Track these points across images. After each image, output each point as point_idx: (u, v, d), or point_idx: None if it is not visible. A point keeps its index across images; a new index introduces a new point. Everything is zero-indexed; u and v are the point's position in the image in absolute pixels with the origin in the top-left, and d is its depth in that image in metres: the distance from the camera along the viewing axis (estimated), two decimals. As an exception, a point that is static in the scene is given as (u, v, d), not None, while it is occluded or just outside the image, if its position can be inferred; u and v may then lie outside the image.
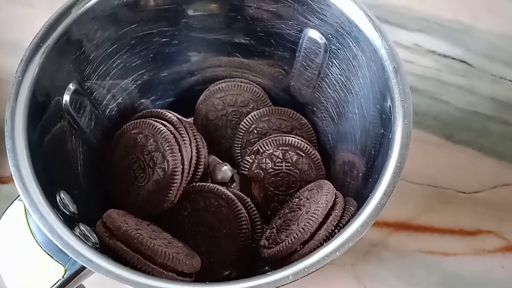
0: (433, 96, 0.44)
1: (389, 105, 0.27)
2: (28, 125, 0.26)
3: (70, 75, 0.31)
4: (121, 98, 0.36)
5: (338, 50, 0.32)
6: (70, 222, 0.26)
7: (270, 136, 0.36)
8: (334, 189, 0.30)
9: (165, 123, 0.33)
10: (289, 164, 0.35)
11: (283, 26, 0.34)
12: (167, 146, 0.32)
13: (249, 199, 0.34)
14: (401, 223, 0.39)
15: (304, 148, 0.35)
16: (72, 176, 0.31)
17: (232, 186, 0.37)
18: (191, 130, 0.34)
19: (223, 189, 0.34)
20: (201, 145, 0.35)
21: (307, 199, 0.31)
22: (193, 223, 0.33)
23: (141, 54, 0.35)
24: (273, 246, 0.29)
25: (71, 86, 0.31)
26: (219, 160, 0.38)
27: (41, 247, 0.26)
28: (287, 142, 0.35)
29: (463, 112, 0.43)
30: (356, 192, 0.30)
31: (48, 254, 0.26)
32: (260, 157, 0.35)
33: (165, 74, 0.38)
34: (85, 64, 0.32)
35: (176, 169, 0.32)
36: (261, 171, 0.35)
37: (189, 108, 0.39)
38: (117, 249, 0.27)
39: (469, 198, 0.40)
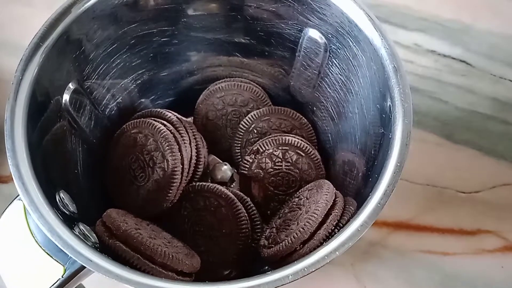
0: (433, 96, 0.44)
1: (389, 105, 0.27)
2: (27, 125, 0.26)
3: (69, 75, 0.31)
4: (120, 98, 0.36)
5: (338, 50, 0.32)
6: (69, 221, 0.26)
7: (270, 136, 0.35)
8: (334, 188, 0.30)
9: (165, 122, 0.33)
10: (289, 164, 0.35)
11: (283, 25, 0.34)
12: (167, 146, 0.32)
13: (248, 199, 0.34)
14: (401, 223, 0.39)
15: (304, 148, 0.35)
16: (72, 176, 0.31)
17: (232, 185, 0.37)
18: (191, 129, 0.34)
19: (223, 188, 0.34)
20: (200, 145, 0.35)
21: (307, 198, 0.31)
22: (192, 223, 0.33)
23: (141, 53, 0.35)
24: (273, 245, 0.29)
25: (71, 86, 0.31)
26: (218, 159, 0.38)
27: (41, 247, 0.26)
28: (287, 142, 0.35)
29: (463, 112, 0.43)
30: (356, 191, 0.30)
31: (48, 254, 0.26)
32: (260, 157, 0.35)
33: (165, 73, 0.38)
34: (84, 63, 0.32)
35: (175, 169, 0.32)
36: (261, 171, 0.35)
37: (189, 108, 0.39)
38: (116, 249, 0.27)
39: (469, 198, 0.40)
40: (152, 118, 0.34)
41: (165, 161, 0.32)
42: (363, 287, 0.37)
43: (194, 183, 0.34)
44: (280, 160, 0.35)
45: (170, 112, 0.34)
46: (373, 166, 0.28)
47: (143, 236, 0.28)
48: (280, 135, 0.35)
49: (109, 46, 0.33)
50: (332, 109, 0.35)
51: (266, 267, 0.32)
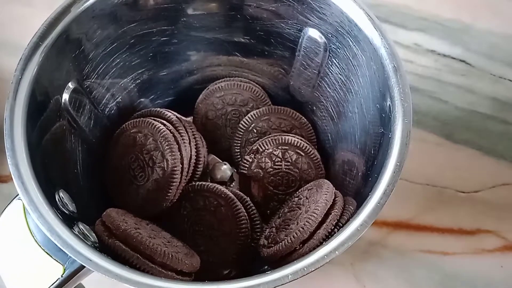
0: (432, 95, 0.44)
1: (389, 105, 0.27)
2: (27, 124, 0.26)
3: (69, 74, 0.31)
4: (120, 97, 0.36)
5: (338, 49, 0.32)
6: (69, 221, 0.26)
7: (270, 135, 0.35)
8: (334, 188, 0.30)
9: (164, 122, 0.33)
10: (289, 163, 0.35)
11: (283, 25, 0.34)
12: (167, 145, 0.32)
13: (248, 199, 0.34)
14: (401, 223, 0.39)
15: (303, 148, 0.35)
16: (71, 175, 0.31)
17: (232, 185, 0.37)
18: (191, 129, 0.34)
19: (222, 188, 0.34)
20: (200, 144, 0.35)
21: (307, 198, 0.31)
22: (192, 222, 0.33)
23: (141, 53, 0.35)
24: (272, 245, 0.29)
25: (70, 85, 0.31)
26: (218, 159, 0.38)
27: (40, 246, 0.26)
28: (286, 141, 0.35)
29: (462, 112, 0.43)
30: (355, 191, 0.30)
31: (47, 253, 0.26)
32: (259, 156, 0.35)
33: (165, 73, 0.38)
34: (84, 63, 0.32)
35: (175, 168, 0.32)
36: (260, 170, 0.35)
37: (189, 107, 0.39)
38: (116, 248, 0.27)
39: (469, 197, 0.40)
40: (152, 118, 0.34)
41: (164, 160, 0.32)
42: (363, 286, 0.37)
43: (194, 183, 0.34)
44: (279, 159, 0.35)
45: (170, 112, 0.34)
46: (372, 165, 0.28)
47: (142, 235, 0.28)
48: (279, 135, 0.35)
49: (108, 46, 0.33)
50: (331, 109, 0.35)
51: (266, 267, 0.32)
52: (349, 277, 0.37)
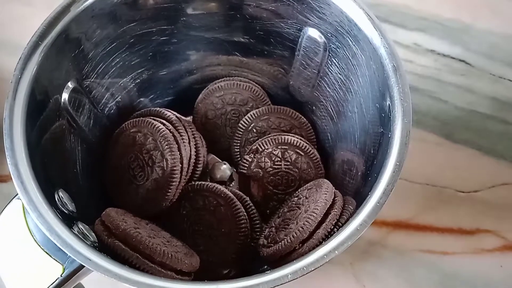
0: (432, 95, 0.44)
1: (389, 104, 0.27)
2: (26, 124, 0.26)
3: (68, 74, 0.31)
4: (120, 97, 0.36)
5: (338, 49, 0.32)
6: (68, 220, 0.26)
7: (269, 135, 0.35)
8: (333, 188, 0.30)
9: (164, 122, 0.33)
10: (288, 163, 0.35)
11: (282, 24, 0.34)
12: (166, 145, 0.32)
13: (248, 198, 0.34)
14: (400, 222, 0.39)
15: (303, 147, 0.35)
16: (71, 175, 0.31)
17: (231, 185, 0.37)
18: (190, 129, 0.34)
19: (222, 188, 0.34)
20: (200, 144, 0.35)
21: (306, 198, 0.31)
22: (192, 222, 0.33)
23: (140, 52, 0.35)
24: (272, 245, 0.29)
25: (70, 85, 0.31)
26: (218, 159, 0.38)
27: (40, 246, 0.26)
28: (286, 141, 0.35)
29: (462, 112, 0.43)
30: (355, 191, 0.30)
31: (47, 253, 0.26)
32: (259, 156, 0.35)
33: (164, 72, 0.38)
34: (83, 62, 0.32)
35: (175, 168, 0.32)
36: (260, 170, 0.35)
37: (188, 107, 0.39)
38: (115, 248, 0.27)
39: (468, 197, 0.40)
40: (151, 117, 0.34)
41: (164, 160, 0.32)
42: (362, 286, 0.37)
43: (193, 182, 0.34)
44: (279, 159, 0.35)
45: (169, 111, 0.34)
46: (372, 165, 0.28)
47: (142, 235, 0.28)
48: (279, 134, 0.35)
49: (108, 45, 0.33)
50: (331, 109, 0.35)
51: (265, 266, 0.32)
52: (348, 277, 0.37)
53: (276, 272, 0.23)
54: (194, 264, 0.29)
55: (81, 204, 0.29)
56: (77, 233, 0.26)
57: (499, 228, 0.39)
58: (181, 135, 0.33)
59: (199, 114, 0.38)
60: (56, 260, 0.26)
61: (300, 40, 0.34)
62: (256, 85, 0.39)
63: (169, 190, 0.32)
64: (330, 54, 0.33)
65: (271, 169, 0.35)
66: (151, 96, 0.39)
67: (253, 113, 0.37)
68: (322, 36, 0.32)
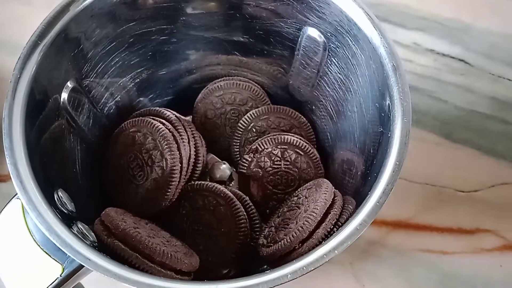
0: (432, 95, 0.44)
1: (388, 104, 0.27)
2: (25, 123, 0.26)
3: (68, 73, 0.31)
4: (119, 96, 0.36)
5: (337, 49, 0.32)
6: (68, 220, 0.26)
7: (269, 135, 0.35)
8: (333, 187, 0.30)
9: (163, 121, 0.33)
10: (288, 163, 0.35)
11: (282, 24, 0.34)
12: (166, 145, 0.32)
13: (247, 198, 0.34)
14: (400, 222, 0.39)
15: (303, 147, 0.35)
16: (70, 174, 0.31)
17: (231, 184, 0.37)
18: (190, 128, 0.34)
19: (221, 187, 0.34)
20: (199, 144, 0.35)
21: (306, 197, 0.31)
22: (191, 222, 0.33)
23: (140, 52, 0.35)
24: (271, 244, 0.29)
25: (69, 84, 0.31)
26: (217, 158, 0.38)
27: (39, 246, 0.26)
28: (285, 141, 0.35)
29: (462, 111, 0.43)
30: (354, 190, 0.30)
31: (46, 253, 0.26)
32: (258, 156, 0.35)
33: (164, 72, 0.38)
34: (83, 62, 0.32)
35: (174, 168, 0.32)
36: (259, 170, 0.35)
37: (188, 107, 0.39)
38: (115, 248, 0.27)
39: (468, 197, 0.40)
40: (151, 117, 0.34)
41: (163, 160, 0.32)
42: (362, 286, 0.37)
43: (193, 182, 0.34)
44: (279, 159, 0.34)
45: (169, 111, 0.34)
46: (372, 165, 0.28)
47: (141, 235, 0.28)
48: (279, 134, 0.35)
49: (107, 45, 0.33)
50: (331, 108, 0.35)
51: (265, 266, 0.32)
52: (348, 277, 0.37)
53: (275, 272, 0.23)
54: (193, 264, 0.29)
55: (80, 204, 0.29)
56: (76, 233, 0.26)
57: (498, 228, 0.39)
58: (180, 135, 0.33)
59: (198, 113, 0.38)
60: (56, 260, 0.25)
61: (299, 39, 0.34)
62: (256, 84, 0.38)
63: (169, 190, 0.32)
64: (330, 54, 0.33)
65: (270, 168, 0.35)
66: (151, 96, 0.39)
67: (253, 113, 0.37)
68: (322, 36, 0.32)
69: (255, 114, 0.37)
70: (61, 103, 0.30)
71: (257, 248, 0.31)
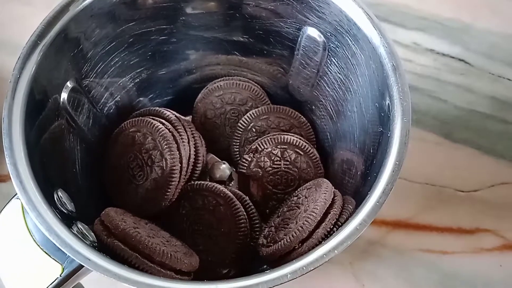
0: (432, 94, 0.44)
1: (388, 104, 0.27)
2: (25, 123, 0.26)
3: (68, 73, 0.31)
4: (119, 96, 0.36)
5: (337, 48, 0.32)
6: (67, 220, 0.26)
7: (269, 135, 0.35)
8: (333, 187, 0.30)
9: (163, 121, 0.33)
10: (288, 163, 0.34)
11: (282, 24, 0.34)
12: (165, 145, 0.32)
13: (247, 198, 0.34)
14: (400, 222, 0.39)
15: (302, 147, 0.35)
16: (70, 174, 0.31)
17: (231, 184, 0.37)
18: (190, 128, 0.34)
19: (221, 187, 0.34)
20: (199, 144, 0.35)
21: (306, 197, 0.31)
22: (191, 222, 0.33)
23: (139, 52, 0.35)
24: (271, 244, 0.29)
25: (69, 84, 0.31)
26: (217, 158, 0.38)
27: (39, 246, 0.26)
28: (285, 141, 0.35)
29: (462, 111, 0.43)
30: (354, 190, 0.30)
31: (46, 253, 0.26)
32: (258, 156, 0.35)
33: (163, 72, 0.38)
34: (83, 62, 0.32)
35: (174, 168, 0.32)
36: (259, 170, 0.35)
37: (188, 107, 0.39)
38: (115, 248, 0.27)
39: (468, 196, 0.40)
40: (151, 117, 0.34)
41: (163, 160, 0.32)
42: (362, 285, 0.37)
43: (193, 182, 0.34)
44: (278, 158, 0.34)
45: (169, 111, 0.34)
46: (371, 164, 0.28)
47: (141, 235, 0.28)
48: (278, 134, 0.35)
49: (107, 45, 0.33)
50: (331, 108, 0.35)
51: (265, 266, 0.32)
52: (348, 276, 0.37)
53: (275, 272, 0.23)
54: (193, 264, 0.29)
55: (80, 204, 0.29)
56: (76, 233, 0.26)
57: (498, 228, 0.39)
58: (180, 135, 0.33)
59: (198, 113, 0.38)
60: (55, 260, 0.25)
61: (299, 39, 0.34)
62: (256, 84, 0.38)
63: (169, 190, 0.32)
64: (330, 54, 0.33)
65: (270, 168, 0.35)
66: (150, 96, 0.39)
67: (253, 113, 0.37)
68: (322, 36, 0.32)
69: (255, 114, 0.37)
70: (60, 103, 0.30)
71: (257, 248, 0.31)
